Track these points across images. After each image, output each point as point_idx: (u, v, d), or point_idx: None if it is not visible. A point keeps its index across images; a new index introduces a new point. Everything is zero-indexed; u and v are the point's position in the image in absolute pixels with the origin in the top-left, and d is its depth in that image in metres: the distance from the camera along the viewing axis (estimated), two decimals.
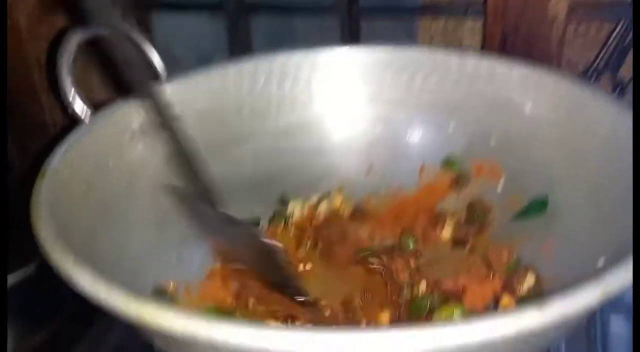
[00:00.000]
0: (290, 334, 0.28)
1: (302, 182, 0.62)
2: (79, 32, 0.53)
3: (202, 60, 0.88)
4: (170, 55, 0.90)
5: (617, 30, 0.64)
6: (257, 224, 0.59)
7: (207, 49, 0.89)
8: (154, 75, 0.61)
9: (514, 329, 0.28)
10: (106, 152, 0.51)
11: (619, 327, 0.54)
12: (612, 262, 0.31)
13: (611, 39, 0.65)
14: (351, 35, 0.75)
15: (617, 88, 0.65)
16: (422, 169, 0.61)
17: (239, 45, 0.80)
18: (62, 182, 0.45)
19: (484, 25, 0.66)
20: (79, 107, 0.53)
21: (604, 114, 0.49)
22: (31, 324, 0.58)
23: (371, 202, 0.62)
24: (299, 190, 0.62)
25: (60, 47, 0.52)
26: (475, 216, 0.55)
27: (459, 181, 0.59)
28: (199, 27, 0.87)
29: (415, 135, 0.62)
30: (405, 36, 0.80)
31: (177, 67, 0.89)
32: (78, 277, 0.34)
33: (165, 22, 0.86)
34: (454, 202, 0.59)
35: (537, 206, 0.52)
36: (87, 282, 0.33)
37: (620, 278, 0.30)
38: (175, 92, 0.58)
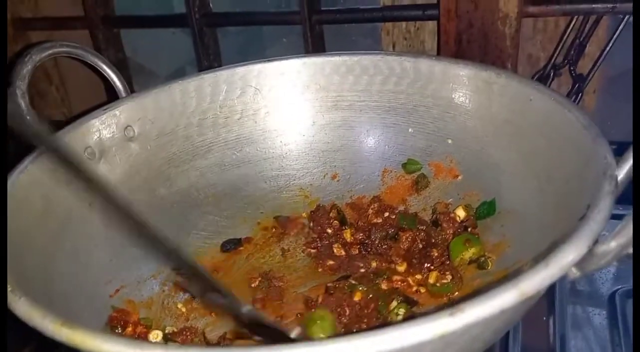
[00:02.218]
0: None
1: (266, 190, 0.63)
2: (32, 54, 0.54)
3: (175, 73, 0.89)
4: (144, 71, 0.91)
5: (572, 24, 0.65)
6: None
7: (178, 62, 0.90)
8: (116, 94, 0.62)
9: (428, 335, 0.28)
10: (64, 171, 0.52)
11: (598, 319, 0.55)
12: (532, 264, 0.32)
13: (566, 34, 0.65)
14: (315, 43, 0.75)
15: (576, 83, 0.66)
16: (383, 173, 0.62)
17: (207, 57, 0.81)
18: (19, 202, 0.46)
19: (438, 24, 0.66)
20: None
21: (552, 113, 0.50)
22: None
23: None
24: (264, 198, 0.63)
25: (14, 69, 0.53)
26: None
27: (419, 183, 0.60)
28: (168, 40, 0.88)
29: (376, 140, 0.63)
30: (371, 41, 0.81)
31: (150, 81, 0.90)
32: (14, 306, 0.34)
33: (135, 38, 0.87)
34: (415, 204, 0.60)
35: (486, 209, 0.53)
36: (23, 311, 0.34)
37: (537, 280, 0.31)
38: (137, 109, 0.59)
